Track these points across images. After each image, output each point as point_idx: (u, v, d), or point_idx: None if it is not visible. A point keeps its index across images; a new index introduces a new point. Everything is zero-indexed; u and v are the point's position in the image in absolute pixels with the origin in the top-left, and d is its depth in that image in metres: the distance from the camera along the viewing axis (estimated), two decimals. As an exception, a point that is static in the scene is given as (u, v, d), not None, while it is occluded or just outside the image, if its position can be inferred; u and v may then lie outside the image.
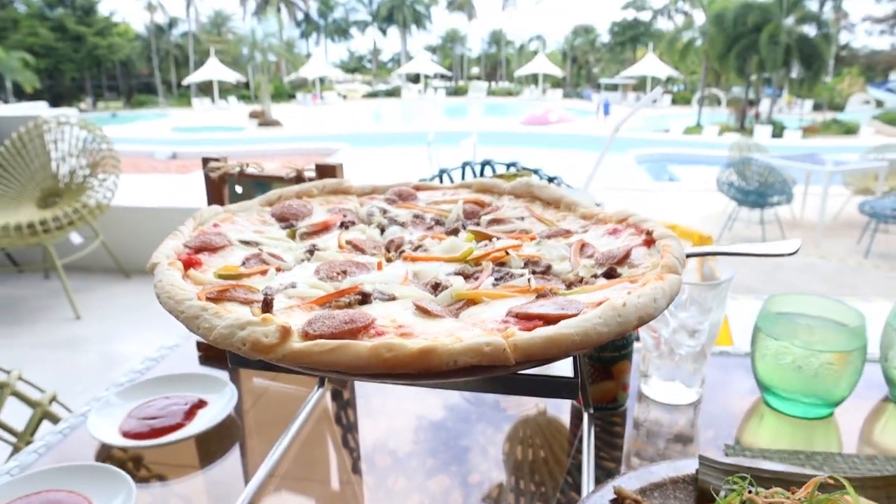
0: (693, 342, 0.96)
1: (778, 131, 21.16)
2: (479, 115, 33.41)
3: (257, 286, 0.61)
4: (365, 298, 0.58)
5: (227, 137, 20.57)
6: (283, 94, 39.81)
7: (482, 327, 0.52)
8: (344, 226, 0.83)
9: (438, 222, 0.85)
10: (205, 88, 39.01)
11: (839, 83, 33.82)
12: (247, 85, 39.68)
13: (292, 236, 0.79)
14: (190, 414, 0.98)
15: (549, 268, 0.65)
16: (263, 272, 0.65)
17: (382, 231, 0.82)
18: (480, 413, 1.03)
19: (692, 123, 24.08)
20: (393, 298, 0.59)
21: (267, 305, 0.54)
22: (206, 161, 1.14)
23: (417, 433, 0.99)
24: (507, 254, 0.68)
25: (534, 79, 44.91)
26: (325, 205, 0.90)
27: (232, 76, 34.46)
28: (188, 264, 0.65)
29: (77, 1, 38.51)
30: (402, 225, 0.84)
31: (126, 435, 0.93)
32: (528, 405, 1.06)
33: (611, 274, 0.62)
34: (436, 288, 0.62)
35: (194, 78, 34.94)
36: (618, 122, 1.01)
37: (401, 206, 0.90)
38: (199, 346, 1.21)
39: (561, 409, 1.05)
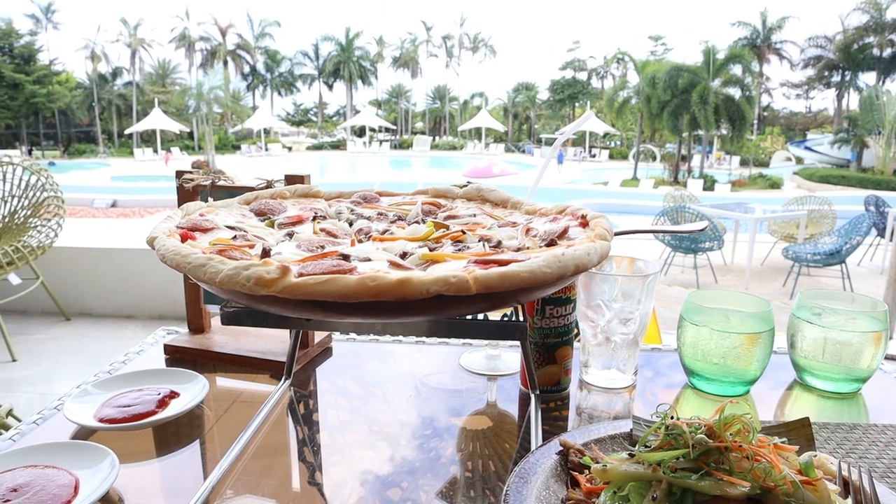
0: (626, 330, 1.08)
1: (709, 185, 22.27)
2: (424, 167, 34.01)
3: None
4: (346, 258, 0.68)
5: (169, 186, 20.29)
6: (228, 144, 39.66)
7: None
8: (316, 220, 0.93)
9: (400, 218, 0.95)
10: (147, 138, 38.58)
11: (763, 141, 35.95)
12: (191, 135, 39.42)
13: (271, 226, 0.88)
14: (163, 403, 1.03)
15: (499, 243, 0.77)
16: (251, 246, 0.74)
17: (351, 224, 0.92)
18: (436, 410, 1.11)
19: (629, 177, 25.13)
20: (369, 259, 0.69)
21: (265, 253, 0.63)
22: (179, 174, 1.22)
23: (376, 431, 1.05)
24: (464, 233, 0.79)
25: (477, 133, 46.07)
26: (296, 205, 1.00)
27: (175, 126, 34.26)
28: (184, 238, 0.73)
29: (16, 48, 37.85)
30: (369, 219, 0.94)
31: (102, 421, 0.98)
32: (480, 400, 1.15)
33: (552, 244, 0.73)
34: (404, 257, 0.72)
35: (137, 128, 34.62)
36: (559, 139, 1.14)
37: (365, 207, 1.01)
38: (167, 349, 1.27)
39: (508, 402, 1.14)
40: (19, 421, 1.99)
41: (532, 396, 1.02)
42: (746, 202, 12.20)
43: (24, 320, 5.00)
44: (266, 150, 38.40)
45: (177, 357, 1.26)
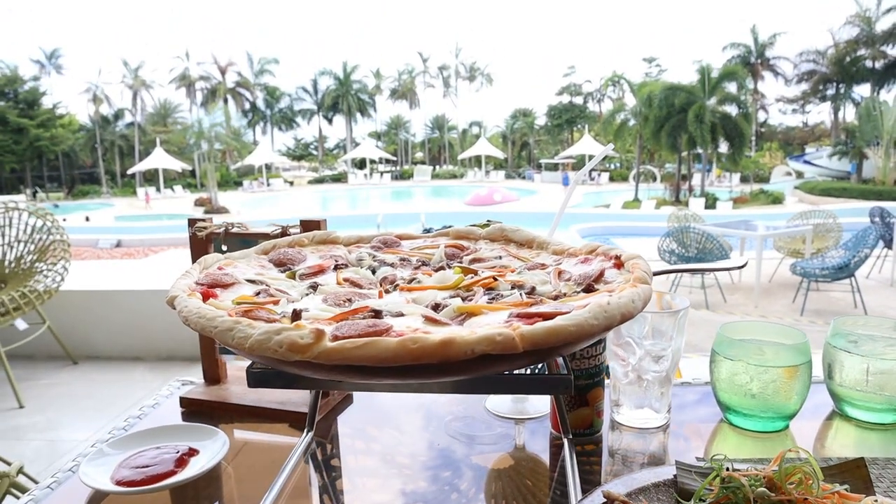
0: (658, 367, 1.04)
1: (711, 203, 22.28)
2: (425, 197, 34.16)
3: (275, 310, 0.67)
4: (377, 314, 0.65)
5: (173, 225, 20.36)
6: (230, 181, 39.91)
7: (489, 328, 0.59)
8: (338, 268, 0.90)
9: (424, 263, 0.92)
10: (150, 178, 38.90)
11: (762, 157, 36.07)
12: (193, 173, 39.73)
13: (292, 277, 0.85)
14: (181, 462, 1.00)
15: (533, 289, 0.74)
16: (276, 302, 0.71)
17: (374, 272, 0.89)
18: (461, 456, 1.07)
19: (630, 198, 25.17)
20: (401, 315, 0.66)
21: (296, 315, 0.60)
22: (192, 221, 1.20)
23: (401, 480, 1.01)
24: (495, 279, 0.76)
25: (477, 161, 46.32)
26: (315, 252, 0.97)
27: (178, 165, 34.58)
28: (206, 296, 0.70)
29: (20, 93, 38.39)
30: (392, 266, 0.91)
31: (119, 483, 0.94)
32: (508, 444, 1.11)
33: (589, 289, 0.70)
34: (436, 308, 0.69)
35: (140, 167, 34.94)
36: (576, 176, 1.12)
37: (387, 252, 0.98)
38: (182, 401, 1.23)
39: (538, 446, 1.10)
40: (30, 479, 1.95)
41: (565, 441, 0.98)
42: (750, 219, 12.19)
43: (30, 365, 4.96)
44: (268, 185, 38.61)
45: (193, 410, 1.23)
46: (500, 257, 0.91)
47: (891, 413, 1.09)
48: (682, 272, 0.86)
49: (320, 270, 0.88)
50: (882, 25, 36.85)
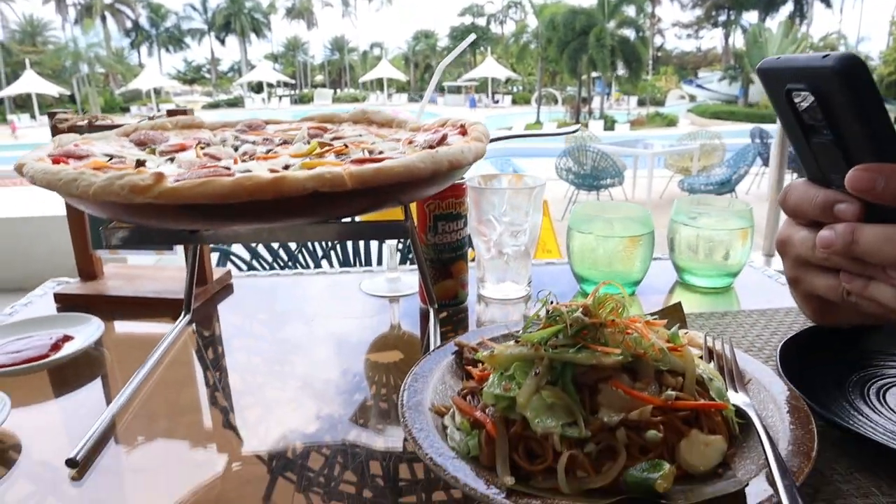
0: (517, 242, 1.13)
1: (609, 125, 22.97)
2: (328, 121, 33.32)
3: (125, 172, 0.69)
4: (227, 171, 0.68)
5: (53, 154, 18.92)
6: (116, 107, 37.28)
7: (326, 173, 0.64)
8: (200, 146, 0.91)
9: (287, 142, 0.95)
10: (22, 104, 35.66)
11: (658, 81, 37.24)
12: (72, 98, 36.78)
13: (152, 153, 0.86)
14: (56, 347, 1.01)
15: (381, 153, 0.78)
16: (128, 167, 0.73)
17: (236, 150, 0.91)
18: (342, 337, 1.13)
19: (532, 121, 25.51)
20: (249, 171, 0.69)
21: (140, 164, 0.62)
22: (52, 114, 1.16)
23: (283, 363, 1.05)
24: (346, 146, 0.80)
25: (379, 84, 45.36)
26: (179, 136, 0.98)
27: (54, 89, 31.85)
28: (56, 162, 0.71)
29: None
30: (254, 144, 0.93)
31: (-10, 369, 0.95)
32: (383, 322, 1.18)
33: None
34: (287, 168, 0.73)
35: (8, 92, 31.90)
36: (441, 64, 1.16)
37: (251, 134, 1.00)
38: (57, 297, 1.22)
39: (411, 321, 1.18)
40: None
41: (431, 310, 1.06)
42: (646, 139, 12.70)
43: None
44: (158, 111, 36.30)
45: (69, 306, 1.22)
46: (361, 135, 0.95)
47: (720, 278, 1.24)
48: (516, 137, 0.93)
49: (182, 149, 0.89)
50: (769, -49, 38.19)
